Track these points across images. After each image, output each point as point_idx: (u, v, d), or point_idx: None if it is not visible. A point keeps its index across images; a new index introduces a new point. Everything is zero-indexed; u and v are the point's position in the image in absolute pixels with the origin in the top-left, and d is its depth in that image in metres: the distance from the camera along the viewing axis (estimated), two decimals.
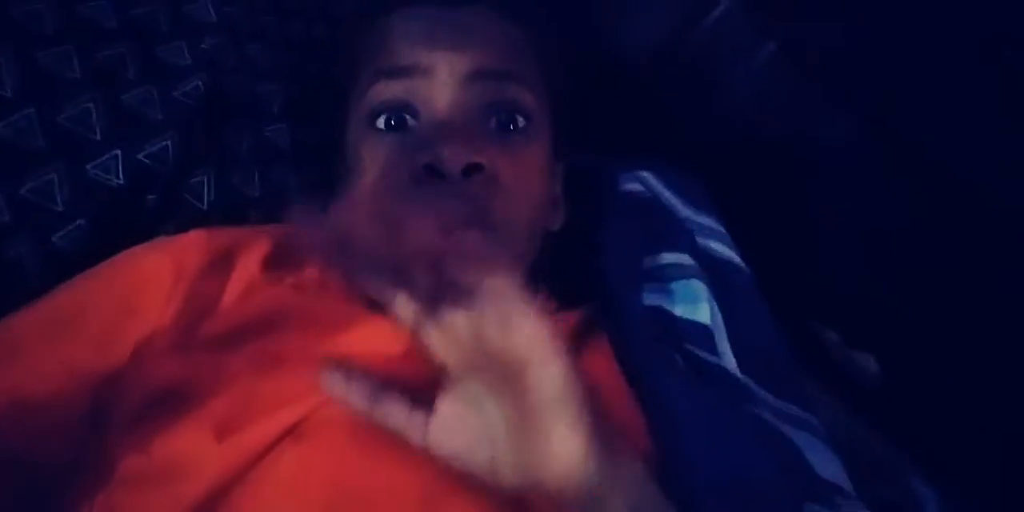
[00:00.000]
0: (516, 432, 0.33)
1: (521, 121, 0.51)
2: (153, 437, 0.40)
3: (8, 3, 0.52)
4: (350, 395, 0.35)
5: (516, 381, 0.32)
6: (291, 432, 0.40)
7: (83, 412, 0.43)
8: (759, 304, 0.60)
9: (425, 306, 0.33)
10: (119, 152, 0.55)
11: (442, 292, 0.32)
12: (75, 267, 0.49)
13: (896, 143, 0.68)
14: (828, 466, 0.50)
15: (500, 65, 0.51)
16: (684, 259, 0.58)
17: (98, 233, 0.53)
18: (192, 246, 0.50)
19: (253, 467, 0.39)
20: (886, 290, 0.71)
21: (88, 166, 0.53)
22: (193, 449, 0.39)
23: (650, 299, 0.55)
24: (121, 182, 0.54)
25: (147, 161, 0.56)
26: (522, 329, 0.31)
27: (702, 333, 0.54)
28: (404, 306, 0.34)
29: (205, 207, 0.59)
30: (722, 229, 0.64)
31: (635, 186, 0.65)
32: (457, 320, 0.32)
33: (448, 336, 0.33)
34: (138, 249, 0.50)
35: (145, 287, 0.47)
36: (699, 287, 0.56)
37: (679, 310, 0.55)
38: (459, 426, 0.34)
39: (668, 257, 0.58)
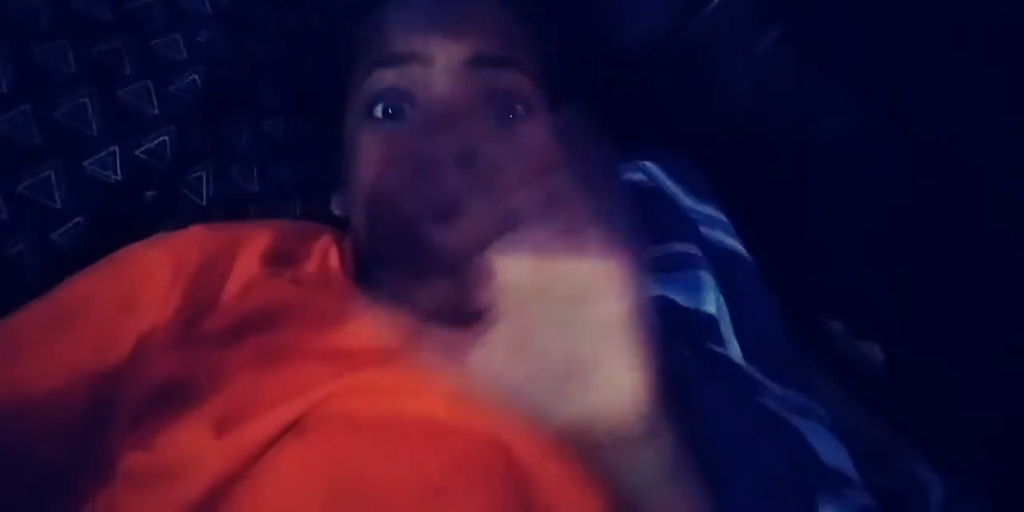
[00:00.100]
0: (571, 366, 0.31)
1: (520, 109, 0.51)
2: (154, 434, 0.40)
3: None
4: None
5: (575, 313, 0.31)
6: (291, 428, 0.40)
7: (84, 409, 0.43)
8: (763, 293, 0.60)
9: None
10: (116, 148, 0.54)
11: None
12: (74, 265, 0.48)
13: (902, 131, 0.68)
14: (834, 455, 0.50)
15: (498, 52, 0.51)
16: (691, 248, 0.58)
17: (97, 230, 0.53)
18: (191, 242, 0.50)
19: (254, 463, 0.39)
20: (889, 280, 0.70)
21: (86, 162, 0.53)
22: (194, 446, 0.39)
23: (655, 289, 0.55)
24: (119, 178, 0.54)
25: (145, 157, 0.56)
26: (593, 258, 0.30)
27: (707, 323, 0.54)
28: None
29: (204, 202, 0.59)
30: (724, 218, 0.64)
31: (638, 176, 0.64)
32: (519, 245, 0.30)
33: (506, 263, 0.31)
34: (137, 246, 0.50)
35: (145, 284, 0.47)
36: (706, 278, 0.56)
37: (685, 300, 0.55)
38: (508, 360, 0.32)
39: (676, 247, 0.58)
